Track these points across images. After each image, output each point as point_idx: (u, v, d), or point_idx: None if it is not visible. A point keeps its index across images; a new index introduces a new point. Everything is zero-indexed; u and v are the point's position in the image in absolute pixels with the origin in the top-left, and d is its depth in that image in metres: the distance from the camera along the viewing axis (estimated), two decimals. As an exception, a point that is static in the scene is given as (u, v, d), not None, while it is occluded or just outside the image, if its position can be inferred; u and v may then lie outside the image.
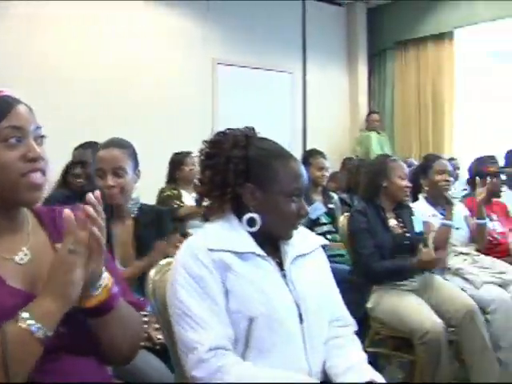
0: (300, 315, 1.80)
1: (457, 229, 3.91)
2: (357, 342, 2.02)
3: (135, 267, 2.69)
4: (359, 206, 3.77)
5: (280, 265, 1.87)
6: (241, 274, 1.76)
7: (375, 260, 3.45)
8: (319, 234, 4.61)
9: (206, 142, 1.93)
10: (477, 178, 4.38)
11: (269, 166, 1.85)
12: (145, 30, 7.34)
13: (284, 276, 1.85)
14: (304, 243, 1.97)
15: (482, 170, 4.50)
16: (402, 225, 3.67)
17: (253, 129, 1.97)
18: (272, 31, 8.57)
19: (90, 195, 1.40)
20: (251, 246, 1.82)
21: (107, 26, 6.99)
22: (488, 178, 4.32)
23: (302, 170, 1.92)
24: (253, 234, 1.84)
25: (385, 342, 3.61)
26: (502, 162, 5.35)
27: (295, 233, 1.92)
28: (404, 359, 3.61)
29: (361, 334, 3.59)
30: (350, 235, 3.72)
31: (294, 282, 1.84)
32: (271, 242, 1.90)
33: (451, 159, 7.65)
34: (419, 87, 9.32)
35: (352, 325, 2.05)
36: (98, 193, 1.43)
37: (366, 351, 3.51)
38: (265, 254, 1.83)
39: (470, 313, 3.34)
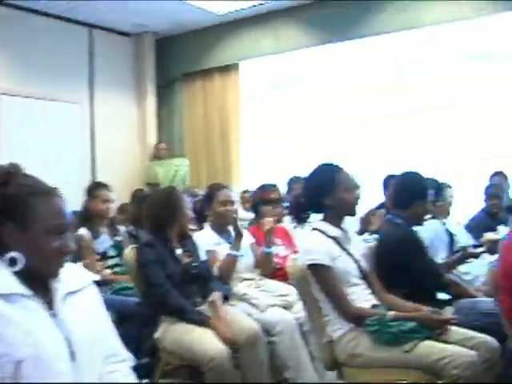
0: (72, 353, 1.76)
1: (241, 256, 4.05)
2: (132, 377, 2.00)
3: None
4: (146, 239, 3.77)
5: (50, 303, 1.81)
6: (5, 316, 1.67)
7: (168, 290, 3.47)
8: (107, 268, 4.58)
9: None
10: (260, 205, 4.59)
11: (28, 204, 1.78)
12: None
13: (54, 315, 1.79)
14: (75, 280, 1.92)
15: (263, 197, 4.68)
16: (188, 254, 3.73)
17: (17, 165, 1.88)
18: (58, 61, 8.35)
19: None
20: (15, 286, 1.74)
21: None
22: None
23: (65, 206, 1.87)
24: (19, 274, 1.76)
25: (177, 372, 3.61)
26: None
27: (66, 269, 1.87)
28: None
29: (152, 365, 3.60)
30: (138, 268, 3.66)
31: (64, 320, 1.79)
32: (40, 280, 1.83)
33: (246, 191, 7.84)
34: (207, 118, 9.51)
35: (128, 360, 2.03)
36: None
37: (158, 383, 3.54)
38: (30, 294, 1.75)
39: (252, 337, 3.44)
